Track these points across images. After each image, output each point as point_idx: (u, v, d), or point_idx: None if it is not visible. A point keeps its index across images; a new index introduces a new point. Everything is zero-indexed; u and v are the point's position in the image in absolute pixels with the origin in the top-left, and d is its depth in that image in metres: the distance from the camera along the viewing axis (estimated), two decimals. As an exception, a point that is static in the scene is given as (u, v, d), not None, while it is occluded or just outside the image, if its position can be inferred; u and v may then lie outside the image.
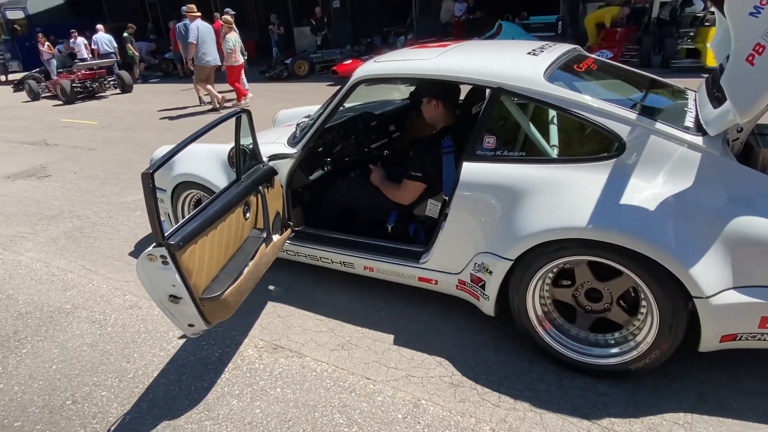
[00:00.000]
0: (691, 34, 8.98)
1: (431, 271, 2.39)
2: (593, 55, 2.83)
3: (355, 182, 3.01)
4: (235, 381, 2.22)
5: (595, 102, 2.03)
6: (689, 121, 2.07)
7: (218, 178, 2.84)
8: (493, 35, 10.04)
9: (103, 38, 12.62)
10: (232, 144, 2.41)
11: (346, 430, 1.92)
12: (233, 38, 8.53)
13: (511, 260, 2.03)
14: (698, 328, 1.81)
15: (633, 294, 2.01)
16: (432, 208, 2.53)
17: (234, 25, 9.45)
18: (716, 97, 1.97)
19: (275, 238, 2.51)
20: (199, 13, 8.37)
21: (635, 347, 1.96)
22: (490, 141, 2.19)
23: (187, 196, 3.14)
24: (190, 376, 2.27)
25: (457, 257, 2.28)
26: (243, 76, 9.48)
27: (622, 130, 1.95)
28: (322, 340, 2.44)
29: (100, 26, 12.85)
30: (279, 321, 2.63)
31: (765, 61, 1.52)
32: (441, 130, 2.54)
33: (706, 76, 2.50)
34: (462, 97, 2.68)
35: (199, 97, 9.24)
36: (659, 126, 1.93)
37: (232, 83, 8.95)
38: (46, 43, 13.24)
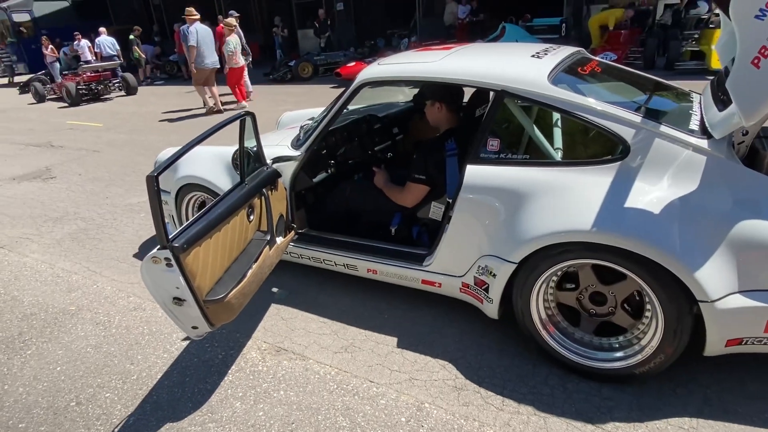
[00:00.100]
0: (696, 36, 8.95)
1: (435, 274, 2.39)
2: (597, 58, 2.82)
3: (359, 185, 3.01)
4: (239, 383, 2.22)
5: (600, 105, 2.02)
6: (694, 124, 2.06)
7: (222, 180, 2.85)
8: (496, 37, 10.03)
9: (106, 41, 12.69)
10: (237, 146, 2.42)
11: (349, 433, 1.91)
12: (234, 41, 8.57)
13: (515, 263, 2.03)
14: (703, 332, 1.80)
15: (638, 297, 2.00)
16: (435, 210, 2.53)
17: (238, 27, 9.50)
18: (721, 99, 1.96)
19: (279, 240, 2.51)
20: (197, 16, 8.41)
21: (640, 351, 1.95)
22: (493, 144, 2.19)
23: (192, 198, 3.15)
24: (193, 378, 2.28)
25: (461, 260, 2.27)
26: (247, 79, 9.53)
27: (627, 133, 1.95)
28: (325, 343, 2.44)
29: (102, 29, 12.92)
30: (282, 323, 2.63)
31: (770, 64, 1.52)
32: (444, 132, 2.54)
33: (710, 78, 2.49)
34: (466, 99, 2.68)
35: (204, 99, 9.28)
36: (664, 129, 1.92)
37: (232, 85, 8.99)
38: (50, 46, 13.32)
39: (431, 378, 2.16)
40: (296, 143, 2.75)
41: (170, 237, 1.80)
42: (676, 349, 1.86)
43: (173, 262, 1.78)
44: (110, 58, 12.62)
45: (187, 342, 2.52)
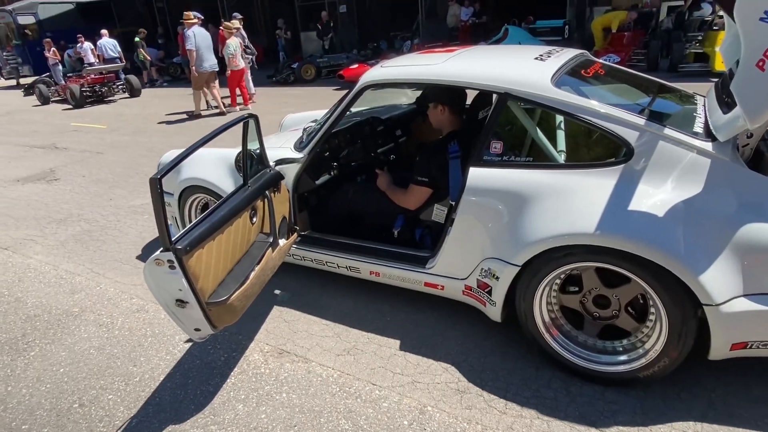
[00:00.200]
0: (699, 38, 8.93)
1: (438, 277, 2.38)
2: (600, 60, 2.82)
3: (362, 187, 3.01)
4: (241, 385, 2.22)
5: (603, 107, 2.02)
6: (698, 127, 2.05)
7: (225, 182, 2.86)
8: (499, 40, 10.04)
9: (108, 43, 12.74)
10: (240, 149, 2.43)
11: (351, 436, 1.91)
12: (234, 43, 8.61)
13: (518, 266, 2.02)
14: (708, 336, 1.79)
15: (641, 301, 1.99)
16: (438, 213, 2.52)
17: (242, 29, 9.54)
18: (726, 102, 1.96)
19: (282, 242, 2.51)
20: (195, 20, 8.45)
21: (644, 355, 1.94)
22: (497, 146, 2.18)
23: (195, 200, 3.16)
24: (196, 380, 2.28)
25: (464, 262, 2.27)
26: (250, 81, 9.56)
27: (631, 136, 1.94)
28: (327, 345, 2.44)
29: (104, 31, 12.97)
30: (285, 325, 2.63)
31: (775, 66, 1.51)
32: (447, 135, 2.54)
33: (714, 80, 2.48)
34: (469, 101, 2.68)
35: (207, 101, 9.32)
36: (668, 131, 1.92)
37: (232, 88, 9.01)
38: (52, 48, 13.39)
39: (434, 381, 2.15)
40: (299, 145, 2.76)
41: (173, 239, 1.80)
42: (681, 352, 1.85)
43: (176, 264, 1.78)
44: (112, 60, 12.68)
45: (190, 344, 2.52)
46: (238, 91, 9.11)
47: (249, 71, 9.82)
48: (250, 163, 2.42)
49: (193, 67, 8.36)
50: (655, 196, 1.84)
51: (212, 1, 17.62)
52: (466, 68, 2.37)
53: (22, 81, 16.49)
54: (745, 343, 1.78)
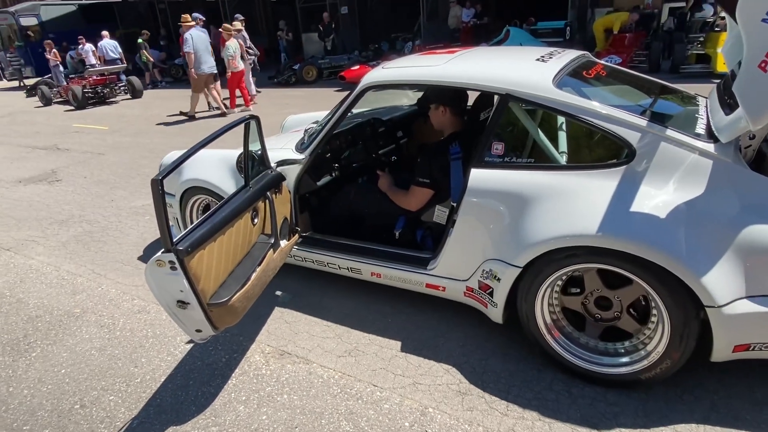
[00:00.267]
0: (701, 39, 8.92)
1: (439, 278, 2.38)
2: (602, 61, 2.81)
3: (363, 188, 3.01)
4: (242, 387, 2.22)
5: (605, 108, 2.01)
6: (700, 128, 2.05)
7: (227, 183, 2.86)
8: (500, 41, 10.04)
9: (108, 44, 12.77)
10: (241, 150, 2.43)
11: (352, 438, 1.91)
12: (233, 45, 8.62)
13: (520, 267, 2.02)
14: (710, 338, 1.78)
15: (643, 302, 1.98)
16: (440, 214, 2.52)
17: (244, 31, 9.55)
18: (728, 103, 1.95)
19: (283, 243, 2.51)
20: (193, 23, 8.48)
21: (646, 356, 1.94)
22: (498, 147, 2.18)
23: (196, 201, 3.16)
24: (197, 381, 2.28)
25: (465, 264, 2.27)
26: (251, 82, 9.57)
27: (632, 137, 1.94)
28: (329, 347, 2.44)
29: (105, 33, 13.01)
30: (286, 327, 2.63)
31: (778, 67, 1.51)
32: (449, 136, 2.54)
33: (716, 81, 2.48)
34: (470, 103, 2.67)
35: (208, 102, 9.33)
36: (670, 132, 1.91)
37: (232, 90, 9.02)
38: (53, 50, 13.43)
39: (435, 382, 2.15)
40: (300, 146, 2.76)
41: (174, 240, 1.80)
42: (683, 354, 1.85)
43: (177, 265, 1.78)
44: (113, 61, 12.71)
45: (191, 345, 2.52)
46: (238, 93, 9.13)
47: (250, 72, 9.86)
48: (251, 164, 2.42)
49: (192, 70, 8.37)
50: (657, 198, 1.84)
51: (214, 2, 17.68)
52: (467, 69, 2.37)
53: (25, 82, 16.54)
54: (748, 345, 1.77)
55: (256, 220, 2.33)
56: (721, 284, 1.70)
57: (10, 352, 2.60)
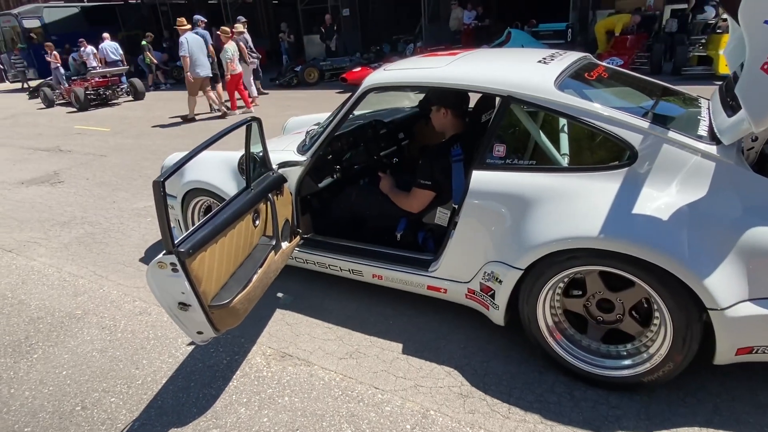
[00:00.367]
0: (703, 41, 8.91)
1: (440, 280, 2.38)
2: (603, 63, 2.81)
3: (365, 190, 3.01)
4: (243, 389, 2.21)
5: (606, 110, 2.01)
6: (703, 130, 2.04)
7: (228, 185, 2.86)
8: (502, 43, 10.05)
9: (109, 46, 12.81)
10: (243, 151, 2.43)
11: (354, 440, 1.90)
12: (232, 48, 8.64)
13: (522, 269, 2.01)
14: (713, 341, 1.78)
15: (646, 305, 1.98)
16: (441, 216, 2.52)
17: (246, 33, 9.57)
18: (730, 105, 1.95)
19: (284, 245, 2.51)
20: (189, 26, 8.51)
21: (648, 359, 1.93)
22: (500, 149, 2.18)
23: (198, 202, 3.16)
24: (198, 383, 2.27)
25: (467, 266, 2.26)
26: (252, 84, 9.58)
27: (634, 139, 1.93)
28: (330, 349, 2.43)
29: (106, 35, 13.05)
30: (287, 329, 2.62)
31: (780, 69, 1.50)
32: (450, 138, 2.53)
33: (718, 83, 2.48)
34: (471, 105, 2.67)
35: (209, 104, 9.35)
36: (672, 134, 1.91)
37: (231, 92, 9.04)
38: (53, 52, 13.47)
39: (437, 385, 2.14)
40: (302, 148, 2.76)
41: (176, 242, 1.80)
42: (686, 357, 1.84)
43: (179, 267, 1.78)
44: (114, 63, 12.75)
45: (192, 347, 2.52)
46: (237, 95, 9.14)
47: (252, 74, 9.87)
48: (253, 166, 2.42)
49: (188, 73, 8.38)
50: (659, 200, 1.84)
51: (216, 4, 17.72)
52: (469, 71, 2.37)
53: (28, 84, 16.60)
54: (751, 348, 1.77)
55: (257, 222, 2.33)
56: (723, 287, 1.69)
57: (12, 354, 2.61)
